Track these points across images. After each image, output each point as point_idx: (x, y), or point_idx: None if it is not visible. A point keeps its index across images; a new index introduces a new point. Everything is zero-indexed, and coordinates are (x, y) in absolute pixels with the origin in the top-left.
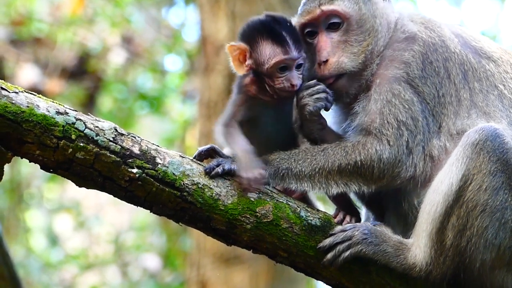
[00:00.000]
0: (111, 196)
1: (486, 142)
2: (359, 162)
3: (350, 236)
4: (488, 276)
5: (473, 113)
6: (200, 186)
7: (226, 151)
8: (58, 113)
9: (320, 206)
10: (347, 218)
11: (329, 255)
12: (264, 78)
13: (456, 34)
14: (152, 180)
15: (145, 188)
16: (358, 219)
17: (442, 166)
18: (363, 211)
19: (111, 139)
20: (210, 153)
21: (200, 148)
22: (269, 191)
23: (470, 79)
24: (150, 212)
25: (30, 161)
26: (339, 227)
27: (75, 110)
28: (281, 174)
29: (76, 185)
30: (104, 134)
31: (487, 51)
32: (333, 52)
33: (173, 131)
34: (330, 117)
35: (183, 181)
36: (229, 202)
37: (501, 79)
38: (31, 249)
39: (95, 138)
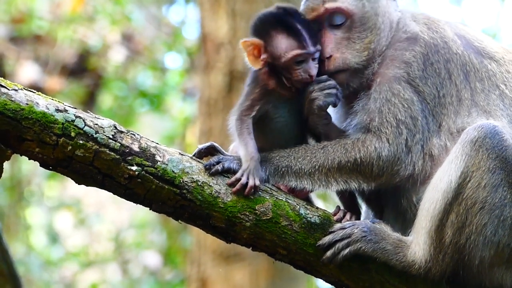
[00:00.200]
0: (111, 193)
1: (485, 139)
2: (359, 160)
3: (349, 234)
4: (487, 273)
5: (473, 111)
6: (199, 183)
7: (233, 145)
8: (57, 110)
9: (320, 204)
10: (347, 216)
11: (329, 253)
12: (280, 71)
13: (459, 34)
14: (152, 177)
15: (144, 186)
16: (358, 217)
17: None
18: (363, 209)
19: (111, 136)
20: (210, 151)
21: (200, 146)
22: (269, 189)
23: (472, 80)
24: (150, 209)
25: (29, 159)
26: (338, 225)
27: (75, 108)
28: (281, 172)
29: (76, 182)
30: (104, 132)
31: (489, 51)
32: (337, 48)
33: (173, 129)
34: (331, 114)
35: (182, 178)
36: (229, 199)
37: (503, 79)
38: (31, 246)
39: (95, 136)
